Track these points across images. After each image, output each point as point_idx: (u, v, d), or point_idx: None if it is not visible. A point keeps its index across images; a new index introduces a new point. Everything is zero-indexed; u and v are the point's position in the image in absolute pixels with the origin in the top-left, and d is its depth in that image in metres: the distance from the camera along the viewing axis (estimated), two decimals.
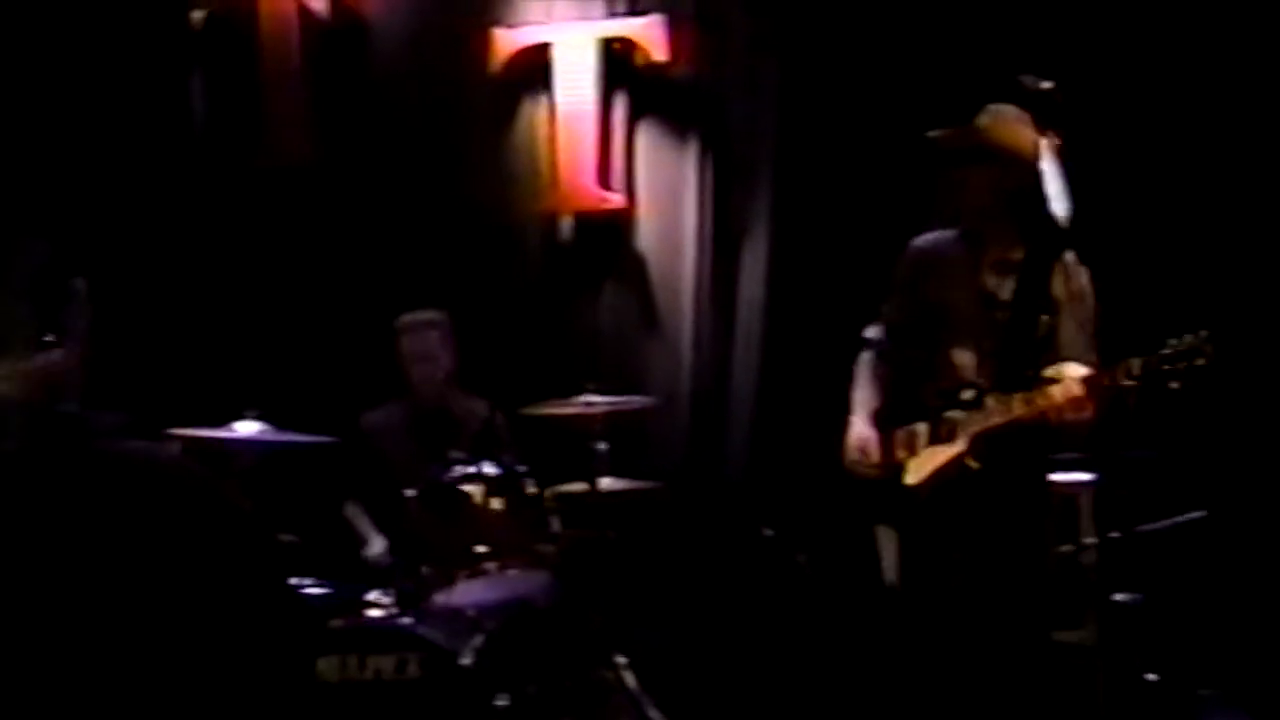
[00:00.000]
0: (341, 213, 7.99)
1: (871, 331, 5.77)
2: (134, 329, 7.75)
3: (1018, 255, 5.39)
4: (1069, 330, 5.34)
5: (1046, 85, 5.23)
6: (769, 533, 7.25)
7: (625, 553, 7.00)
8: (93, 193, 7.94)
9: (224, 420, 6.44)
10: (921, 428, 5.49)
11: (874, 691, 6.21)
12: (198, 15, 8.21)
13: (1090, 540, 6.10)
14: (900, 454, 5.51)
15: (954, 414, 5.39)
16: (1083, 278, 5.38)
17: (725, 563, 7.36)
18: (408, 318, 7.12)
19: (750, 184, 7.71)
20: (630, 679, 6.45)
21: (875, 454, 5.56)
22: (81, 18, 8.02)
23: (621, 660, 6.48)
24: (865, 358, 5.77)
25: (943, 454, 5.40)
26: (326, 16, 8.16)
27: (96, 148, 8.00)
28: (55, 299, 7.63)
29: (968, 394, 5.39)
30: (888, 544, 5.63)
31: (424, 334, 7.07)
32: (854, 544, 5.98)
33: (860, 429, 5.63)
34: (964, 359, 5.46)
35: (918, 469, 5.47)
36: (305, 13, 8.12)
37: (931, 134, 5.57)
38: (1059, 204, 5.17)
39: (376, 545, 6.83)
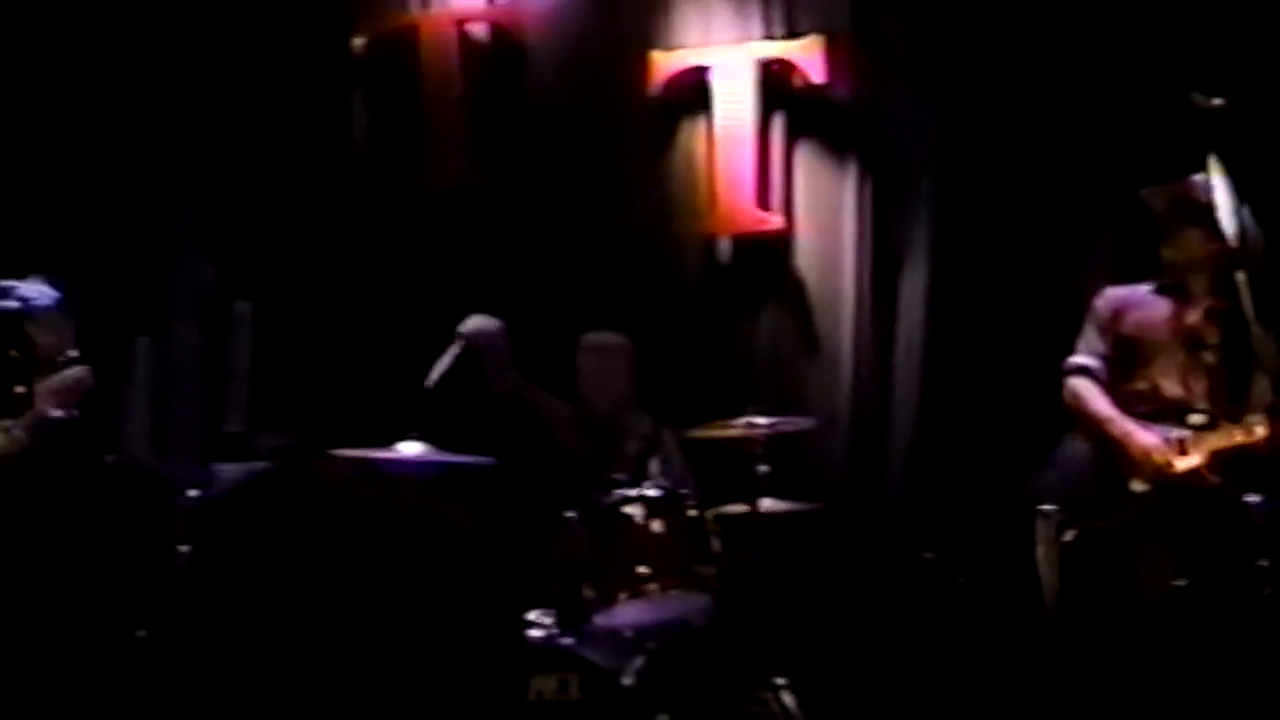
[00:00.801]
0: (502, 235, 8.05)
1: (1081, 359, 6.14)
2: (298, 351, 7.88)
3: (1221, 303, 5.81)
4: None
5: (1218, 103, 5.20)
6: (929, 555, 7.20)
7: (786, 574, 6.99)
8: (256, 217, 8.07)
9: (387, 442, 6.49)
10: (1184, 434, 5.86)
11: (1032, 715, 6.18)
12: (359, 41, 8.31)
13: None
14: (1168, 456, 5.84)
15: (1183, 432, 5.85)
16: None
17: (885, 585, 7.32)
18: (591, 338, 7.14)
19: (909, 204, 7.67)
20: (790, 701, 6.43)
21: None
22: (245, 43, 8.16)
23: (781, 682, 6.46)
24: (1081, 384, 6.13)
25: (1183, 464, 5.83)
26: (486, 41, 8.25)
27: (260, 172, 8.13)
28: (221, 322, 7.79)
29: (1197, 418, 5.87)
30: (1048, 566, 5.60)
31: (604, 357, 7.11)
32: (1014, 567, 5.95)
33: (1145, 436, 5.90)
34: (1172, 390, 5.97)
35: (1145, 478, 5.88)
36: (465, 37, 8.20)
37: (1144, 192, 6.00)
38: (1229, 221, 5.20)
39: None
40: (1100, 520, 5.86)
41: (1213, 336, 5.91)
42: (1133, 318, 6.12)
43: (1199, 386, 5.94)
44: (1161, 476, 5.84)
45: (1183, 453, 5.82)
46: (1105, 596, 5.78)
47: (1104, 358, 6.15)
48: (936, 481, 7.41)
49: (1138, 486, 5.87)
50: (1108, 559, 5.81)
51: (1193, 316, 5.98)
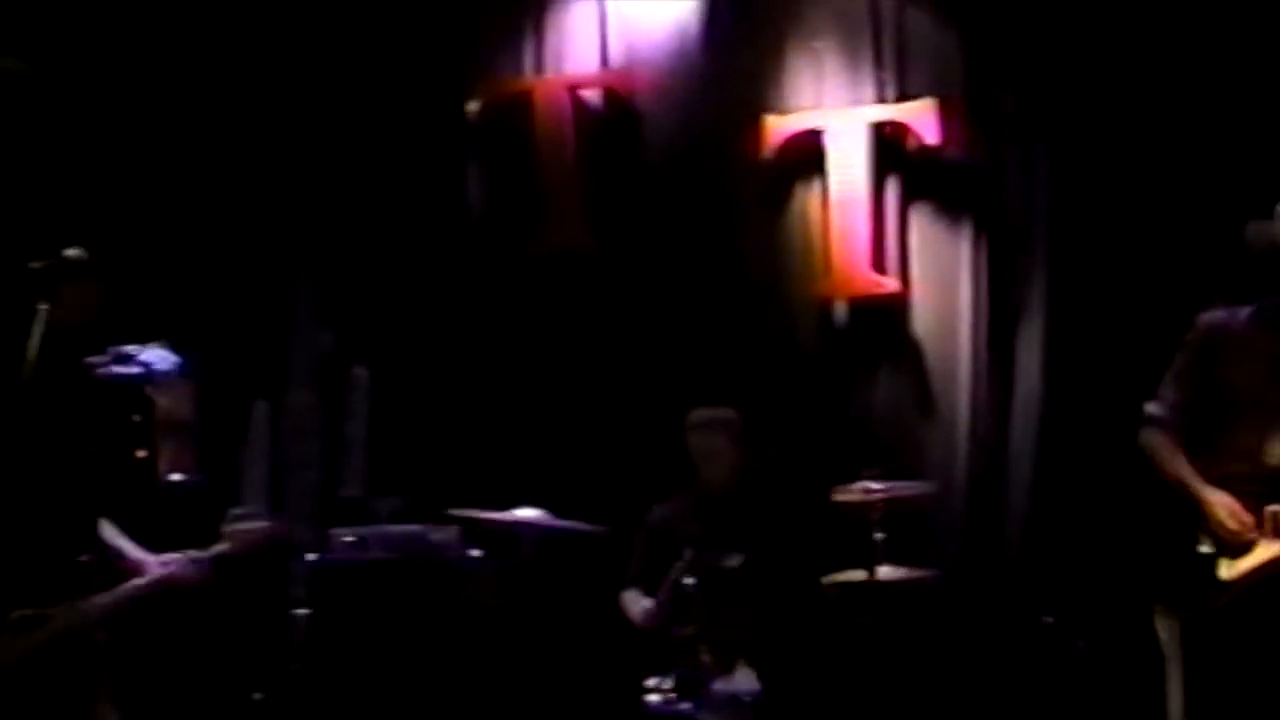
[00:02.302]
0: (617, 299, 8.08)
1: (1154, 407, 5.57)
2: (414, 416, 7.92)
3: None
4: None
5: None
6: (1049, 619, 7.13)
7: (904, 640, 6.94)
8: (374, 283, 8.14)
9: (503, 506, 6.51)
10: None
11: None
12: (474, 106, 8.37)
13: None
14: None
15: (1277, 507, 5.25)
16: None
17: (1004, 650, 7.25)
18: (697, 416, 7.11)
19: (1025, 266, 7.64)
20: None
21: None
22: (362, 112, 8.25)
23: None
24: (1152, 438, 5.56)
25: (1268, 550, 5.24)
26: (599, 106, 8.30)
27: (377, 239, 8.21)
28: (338, 387, 7.84)
29: None
30: (1169, 634, 5.51)
31: (712, 434, 7.07)
32: (1135, 631, 5.87)
33: (1220, 496, 5.32)
34: (1256, 443, 5.32)
35: (1234, 563, 5.27)
36: (578, 102, 8.26)
37: (1250, 228, 5.72)
38: None
39: (643, 606, 6.82)
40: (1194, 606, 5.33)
41: None
42: (1226, 356, 5.45)
43: None
44: (1242, 554, 5.23)
45: (1276, 531, 5.21)
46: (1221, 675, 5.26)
47: (1180, 408, 5.50)
48: (1055, 544, 7.34)
49: (1225, 572, 5.25)
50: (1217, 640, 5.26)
51: None
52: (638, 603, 6.83)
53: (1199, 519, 5.31)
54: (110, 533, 5.40)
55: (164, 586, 5.37)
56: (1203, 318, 5.58)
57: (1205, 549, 5.29)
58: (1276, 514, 5.24)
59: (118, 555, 5.37)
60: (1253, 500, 5.27)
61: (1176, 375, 5.57)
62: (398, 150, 8.28)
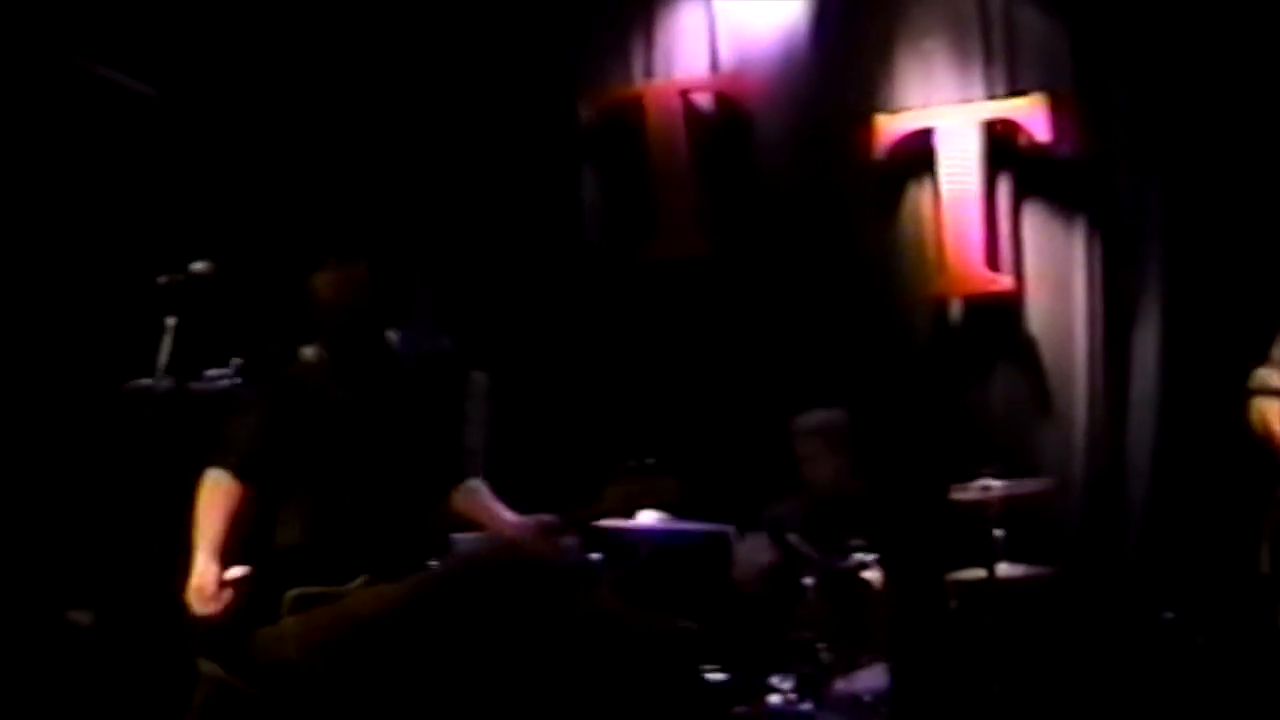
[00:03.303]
0: (733, 303, 8.13)
1: (1275, 379, 5.47)
2: (532, 421, 7.98)
3: None
4: None
5: None
6: (1169, 616, 7.10)
7: (1023, 637, 6.94)
8: (490, 288, 8.21)
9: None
10: None
11: None
12: (586, 112, 8.44)
13: None
14: None
15: None
16: None
17: (1125, 647, 7.23)
18: (799, 421, 7.15)
19: (1140, 262, 7.62)
20: None
21: None
22: (476, 118, 8.33)
23: None
24: (1271, 407, 5.43)
25: None
26: (711, 110, 8.36)
27: (493, 244, 8.28)
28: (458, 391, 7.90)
29: None
30: None
31: (811, 439, 7.11)
32: (1257, 627, 5.86)
33: None
34: None
35: None
36: (690, 107, 8.32)
37: None
38: None
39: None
40: None
41: None
42: None
43: None
44: None
45: None
46: None
47: None
48: (1175, 540, 7.32)
49: None
50: None
51: None
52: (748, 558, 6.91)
53: None
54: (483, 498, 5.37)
55: (504, 555, 5.30)
56: None
57: None
58: None
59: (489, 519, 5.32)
60: None
61: None
62: (512, 156, 8.37)
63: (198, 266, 5.48)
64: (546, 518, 5.21)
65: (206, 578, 4.96)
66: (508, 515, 5.25)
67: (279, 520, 5.16)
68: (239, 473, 5.17)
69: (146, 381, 5.52)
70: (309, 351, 5.34)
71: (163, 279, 5.41)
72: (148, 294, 5.41)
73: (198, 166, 7.94)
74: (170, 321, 5.35)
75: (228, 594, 4.97)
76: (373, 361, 5.29)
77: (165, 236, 7.07)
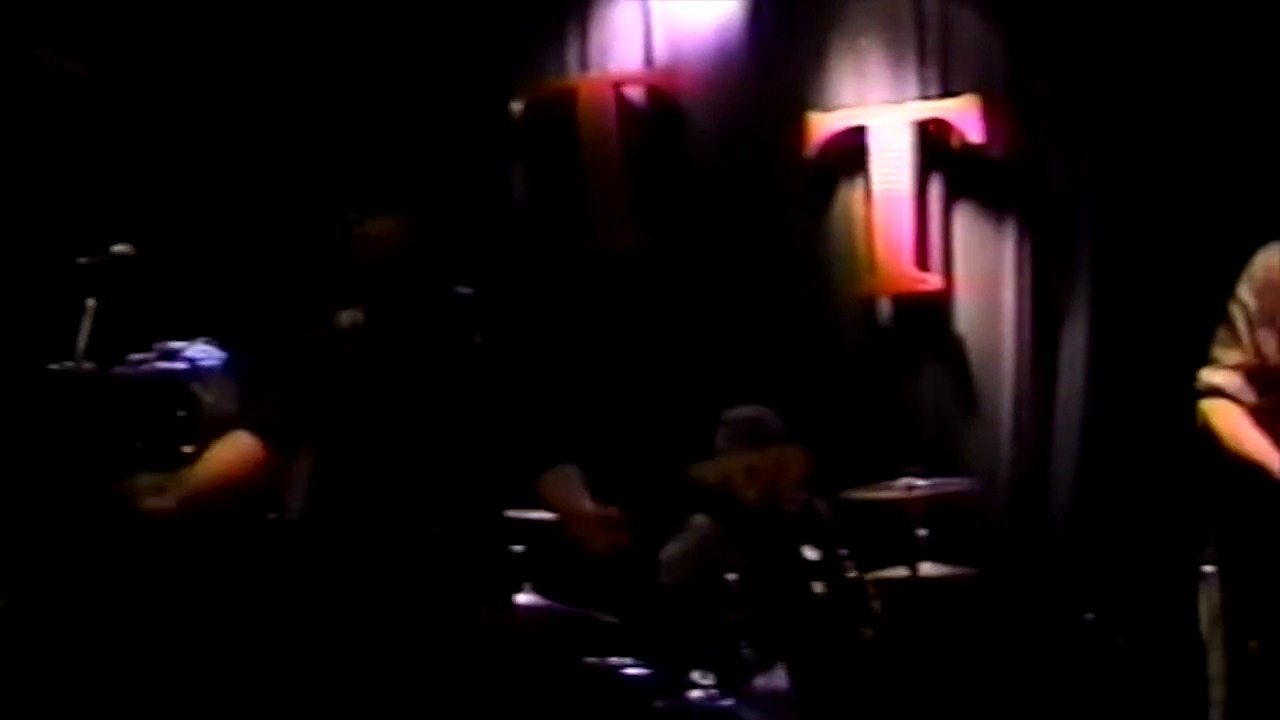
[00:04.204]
0: (662, 297, 8.10)
1: (1216, 375, 5.07)
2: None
3: None
4: None
5: None
6: (1090, 617, 7.12)
7: (944, 636, 6.94)
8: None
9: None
10: None
11: None
12: (518, 106, 8.40)
13: None
14: None
15: None
16: None
17: (1046, 647, 7.25)
18: (727, 417, 7.13)
19: (1069, 263, 7.64)
20: None
21: None
22: (404, 112, 8.27)
23: None
24: (1218, 411, 5.03)
25: None
26: (643, 104, 8.33)
27: (422, 238, 8.20)
28: None
29: None
30: (1214, 636, 5.46)
31: (739, 435, 7.05)
32: (1178, 629, 5.86)
33: None
34: None
35: None
36: (622, 101, 8.28)
37: None
38: None
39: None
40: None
41: None
42: None
43: None
44: None
45: None
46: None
47: (1247, 370, 4.95)
48: (1098, 541, 7.34)
49: None
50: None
51: None
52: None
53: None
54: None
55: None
56: (1260, 260, 5.01)
57: None
58: None
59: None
60: None
61: (1236, 333, 5.01)
62: (443, 150, 8.29)
63: (119, 248, 5.42)
64: (613, 510, 4.99)
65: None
66: (581, 503, 5.02)
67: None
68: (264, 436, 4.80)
69: (66, 364, 5.46)
70: (346, 316, 4.90)
71: (83, 260, 5.35)
72: (67, 275, 5.35)
73: (121, 147, 7.85)
74: (90, 303, 5.29)
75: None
76: (422, 328, 4.91)
77: (86, 217, 6.99)
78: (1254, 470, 4.85)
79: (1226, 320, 5.03)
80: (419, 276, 4.97)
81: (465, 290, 5.14)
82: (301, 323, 4.98)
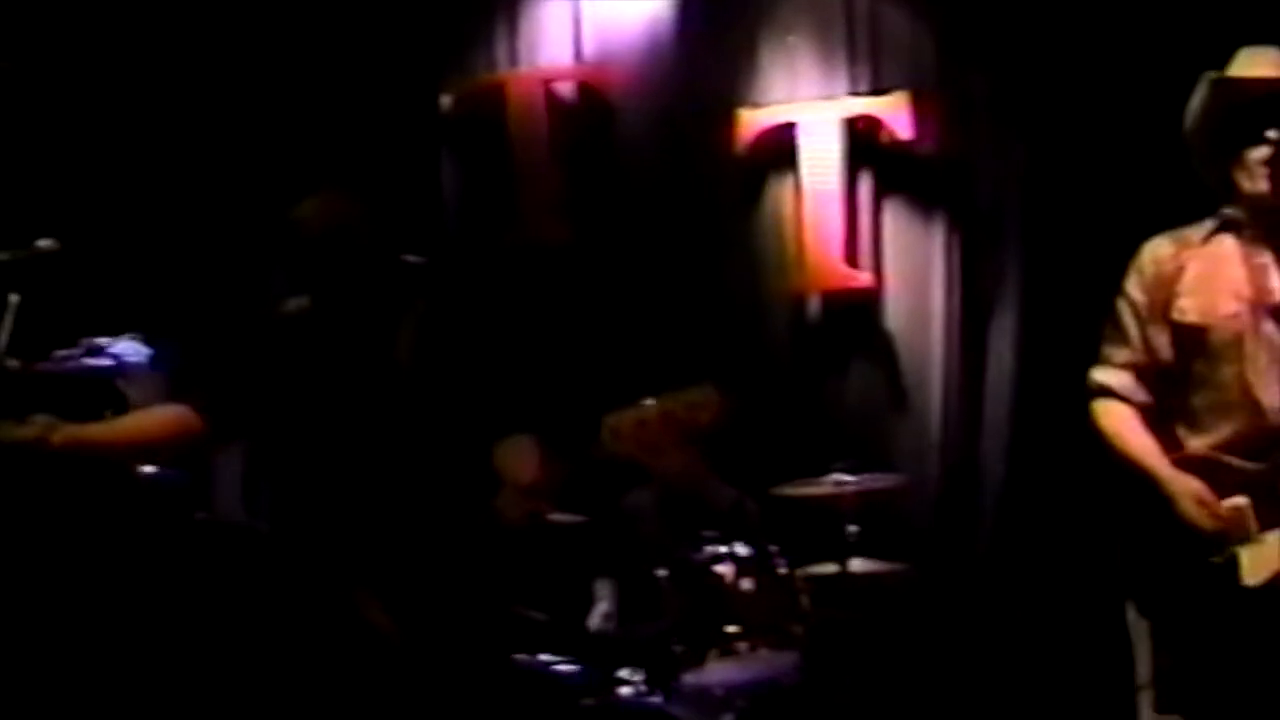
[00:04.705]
0: (591, 292, 8.09)
1: (1105, 374, 4.91)
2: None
3: None
4: None
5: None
6: (1020, 612, 7.15)
7: (875, 634, 6.96)
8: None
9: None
10: (1243, 502, 4.54)
11: None
12: (447, 100, 8.37)
13: None
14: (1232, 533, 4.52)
15: None
16: None
17: (975, 643, 7.27)
18: None
19: (998, 260, 7.66)
20: None
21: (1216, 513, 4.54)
22: (333, 105, 8.22)
23: None
24: (1108, 412, 4.87)
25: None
26: (574, 99, 8.29)
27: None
28: None
29: None
30: (1141, 632, 5.47)
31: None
32: (1106, 626, 5.88)
33: (1187, 483, 4.59)
34: (1267, 397, 4.56)
35: (1256, 565, 4.50)
36: (552, 96, 8.25)
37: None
38: None
39: (602, 611, 6.82)
40: (1197, 620, 4.61)
41: None
42: (1188, 289, 4.70)
43: None
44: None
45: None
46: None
47: (1138, 368, 4.78)
48: (1027, 537, 7.36)
49: (1251, 580, 4.48)
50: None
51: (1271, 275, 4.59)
52: (599, 606, 6.91)
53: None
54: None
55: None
56: (1145, 253, 4.91)
57: (1251, 580, 4.51)
58: (1236, 508, 4.53)
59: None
60: (1238, 477, 4.57)
61: (1124, 330, 4.88)
62: (371, 144, 8.24)
63: (43, 243, 5.34)
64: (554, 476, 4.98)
65: None
66: (530, 468, 4.96)
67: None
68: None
69: None
70: (293, 302, 4.82)
71: (5, 255, 5.27)
72: None
73: (44, 139, 7.78)
74: (13, 299, 5.21)
75: None
76: (373, 310, 4.79)
77: (8, 211, 6.91)
78: (1143, 472, 4.71)
79: (1113, 316, 4.91)
80: (364, 252, 4.82)
81: (414, 259, 5.05)
82: (244, 311, 4.90)
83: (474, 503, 4.99)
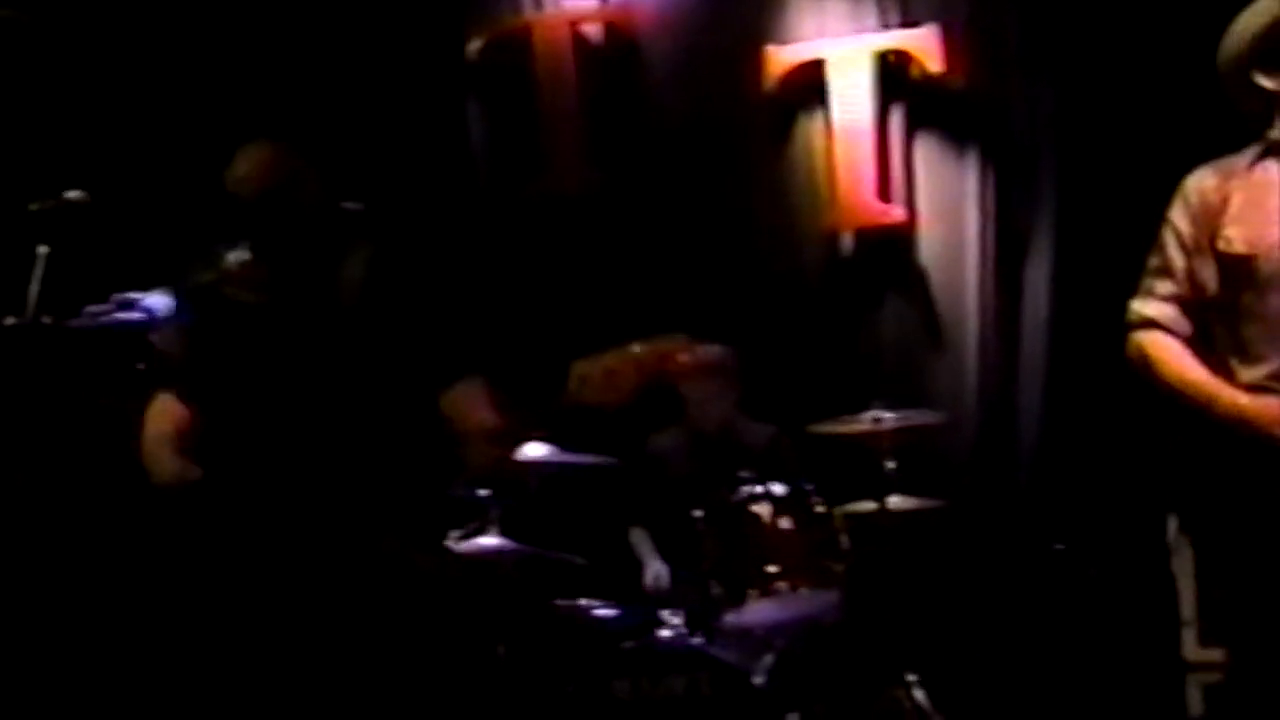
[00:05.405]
0: (621, 236, 8.04)
1: (1148, 305, 4.70)
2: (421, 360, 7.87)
3: None
4: None
5: None
6: (1060, 547, 7.11)
7: (915, 570, 6.94)
8: (373, 224, 8.05)
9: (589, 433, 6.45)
10: None
11: (1169, 707, 6.09)
12: (473, 45, 8.31)
13: None
14: None
15: None
16: None
17: (1016, 578, 7.24)
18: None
19: (1032, 193, 7.61)
20: (922, 698, 6.37)
21: None
22: (359, 53, 8.17)
23: (913, 678, 6.40)
24: (1152, 342, 4.65)
25: None
26: (600, 41, 8.23)
27: (377, 179, 8.12)
28: None
29: None
30: (1184, 562, 5.43)
31: (705, 380, 6.97)
32: (1149, 558, 5.86)
33: (1266, 404, 4.39)
34: None
35: None
36: (579, 38, 8.19)
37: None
38: None
39: (655, 571, 6.82)
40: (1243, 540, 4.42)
41: None
42: (1234, 219, 4.52)
43: None
44: None
45: None
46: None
47: (1182, 300, 4.59)
48: (1067, 472, 7.34)
49: None
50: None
51: None
52: (650, 559, 6.88)
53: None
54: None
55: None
56: (1189, 185, 4.67)
57: None
58: None
59: None
60: None
61: (1168, 262, 4.67)
62: (398, 90, 8.20)
63: (72, 194, 5.32)
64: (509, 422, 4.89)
65: None
66: (481, 413, 4.88)
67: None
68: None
69: (16, 318, 5.35)
70: (233, 256, 4.80)
71: (34, 206, 5.25)
72: (18, 222, 5.25)
73: (73, 90, 7.75)
74: (42, 251, 5.19)
75: None
76: (312, 262, 4.74)
77: (38, 161, 6.89)
78: (1200, 402, 4.50)
79: (1157, 247, 4.71)
80: (301, 205, 4.77)
81: (353, 206, 4.98)
82: (187, 267, 4.88)
83: (425, 447, 4.95)
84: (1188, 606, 5.75)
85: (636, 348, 4.80)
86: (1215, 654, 5.54)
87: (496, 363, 7.64)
